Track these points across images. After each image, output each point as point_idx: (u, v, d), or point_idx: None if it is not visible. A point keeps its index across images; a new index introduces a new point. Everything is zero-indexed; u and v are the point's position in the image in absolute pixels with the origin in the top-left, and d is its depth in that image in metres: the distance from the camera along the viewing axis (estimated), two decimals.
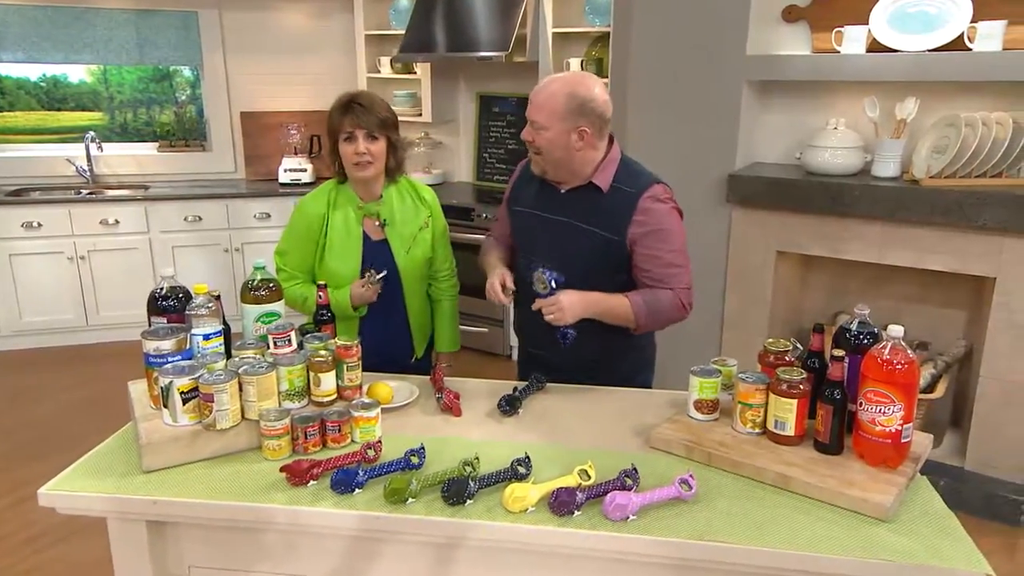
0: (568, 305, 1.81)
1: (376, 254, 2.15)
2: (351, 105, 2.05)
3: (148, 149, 5.15)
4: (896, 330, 1.46)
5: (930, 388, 2.96)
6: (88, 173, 4.88)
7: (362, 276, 2.13)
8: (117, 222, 4.50)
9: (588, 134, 1.85)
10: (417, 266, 2.20)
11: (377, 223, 2.15)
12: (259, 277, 1.83)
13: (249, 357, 1.68)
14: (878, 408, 1.46)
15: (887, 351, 1.45)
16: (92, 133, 4.85)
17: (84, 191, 4.75)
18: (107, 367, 4.30)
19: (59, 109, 5.11)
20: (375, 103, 2.08)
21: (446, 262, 2.31)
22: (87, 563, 2.60)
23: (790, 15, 3.25)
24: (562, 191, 1.98)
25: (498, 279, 1.98)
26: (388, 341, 2.18)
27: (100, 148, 4.89)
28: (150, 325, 1.73)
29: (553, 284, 1.83)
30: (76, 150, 4.91)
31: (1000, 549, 2.69)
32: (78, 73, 5.10)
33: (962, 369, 3.16)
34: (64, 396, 3.93)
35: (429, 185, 2.34)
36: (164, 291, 1.74)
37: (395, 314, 2.22)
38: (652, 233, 1.89)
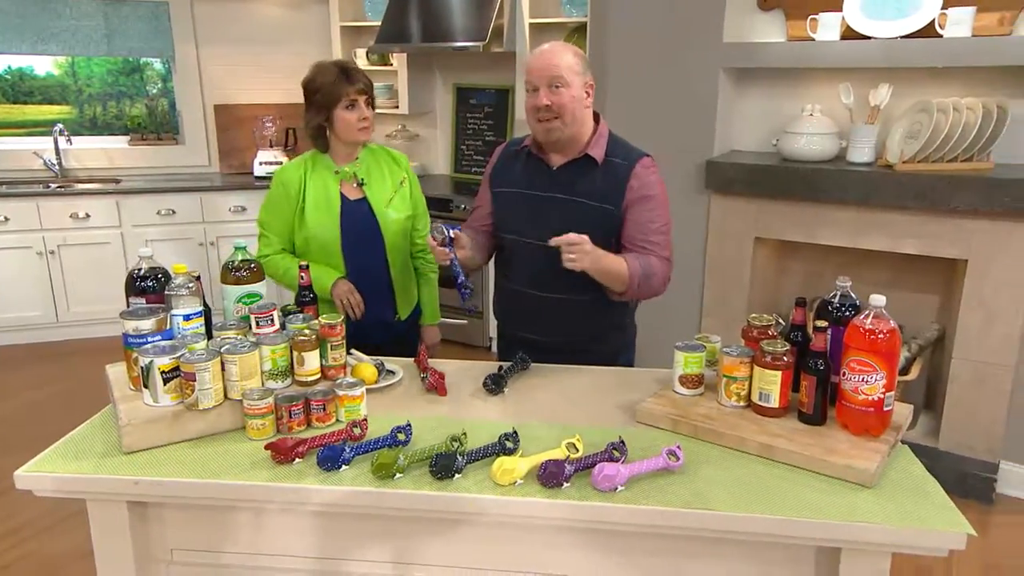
0: (590, 250, 1.80)
1: (356, 213, 2.17)
2: (349, 72, 2.11)
3: (119, 142, 5.06)
4: (878, 299, 1.48)
5: (904, 371, 3.01)
6: (56, 167, 4.78)
7: (344, 245, 2.15)
8: (87, 216, 4.41)
9: (593, 89, 1.93)
10: (398, 223, 2.23)
11: (355, 184, 2.18)
12: (240, 258, 1.81)
13: (231, 337, 1.65)
14: (861, 377, 1.48)
15: (869, 320, 1.47)
16: (60, 126, 4.75)
17: (53, 185, 4.65)
18: (78, 364, 4.21)
19: (25, 103, 4.99)
20: (359, 68, 2.18)
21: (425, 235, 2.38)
22: (67, 555, 2.55)
23: (766, 3, 3.28)
24: (553, 168, 1.98)
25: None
26: (371, 297, 2.20)
27: (69, 141, 4.80)
28: (128, 306, 1.69)
29: (449, 233, 1.89)
30: (44, 143, 4.80)
31: (973, 526, 2.73)
32: (45, 66, 4.99)
33: (935, 352, 3.21)
34: (34, 393, 3.84)
35: None
36: (143, 271, 1.71)
37: (378, 271, 2.25)
38: (643, 199, 1.93)
